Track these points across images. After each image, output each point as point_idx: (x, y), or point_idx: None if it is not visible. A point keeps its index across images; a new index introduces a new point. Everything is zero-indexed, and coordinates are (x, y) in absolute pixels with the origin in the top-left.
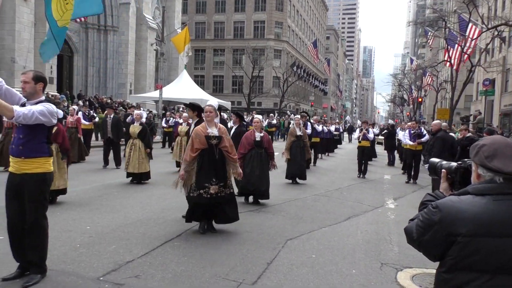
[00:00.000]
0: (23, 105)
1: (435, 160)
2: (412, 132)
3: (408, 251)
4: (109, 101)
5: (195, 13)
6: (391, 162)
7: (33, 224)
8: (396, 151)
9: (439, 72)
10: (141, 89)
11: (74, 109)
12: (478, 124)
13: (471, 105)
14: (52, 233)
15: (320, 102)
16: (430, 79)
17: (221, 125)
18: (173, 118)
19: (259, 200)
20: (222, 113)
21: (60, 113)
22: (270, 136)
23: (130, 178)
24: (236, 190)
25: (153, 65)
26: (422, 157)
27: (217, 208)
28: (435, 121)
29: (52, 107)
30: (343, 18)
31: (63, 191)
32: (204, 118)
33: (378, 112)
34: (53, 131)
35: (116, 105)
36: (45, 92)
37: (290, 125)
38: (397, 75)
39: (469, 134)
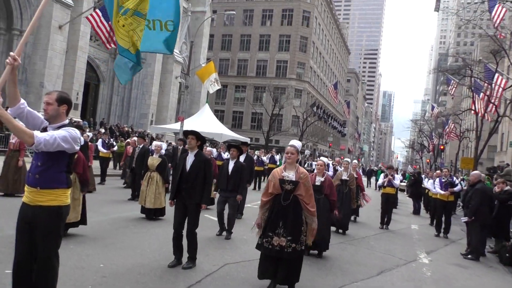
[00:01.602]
0: (44, 129)
1: None
2: (443, 180)
3: None
4: (130, 130)
5: (220, 49)
6: (416, 211)
7: (44, 263)
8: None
9: (462, 121)
10: (162, 120)
11: (88, 136)
12: (506, 176)
13: (495, 156)
14: (64, 269)
15: (338, 144)
16: (453, 126)
17: (303, 169)
18: None
19: (310, 251)
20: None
21: (82, 140)
22: None
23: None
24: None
25: (176, 97)
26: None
27: (279, 262)
28: (474, 172)
29: (75, 132)
30: (365, 62)
31: (77, 224)
32: (285, 159)
33: (396, 157)
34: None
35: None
36: (69, 118)
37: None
38: (417, 121)
39: (508, 187)
